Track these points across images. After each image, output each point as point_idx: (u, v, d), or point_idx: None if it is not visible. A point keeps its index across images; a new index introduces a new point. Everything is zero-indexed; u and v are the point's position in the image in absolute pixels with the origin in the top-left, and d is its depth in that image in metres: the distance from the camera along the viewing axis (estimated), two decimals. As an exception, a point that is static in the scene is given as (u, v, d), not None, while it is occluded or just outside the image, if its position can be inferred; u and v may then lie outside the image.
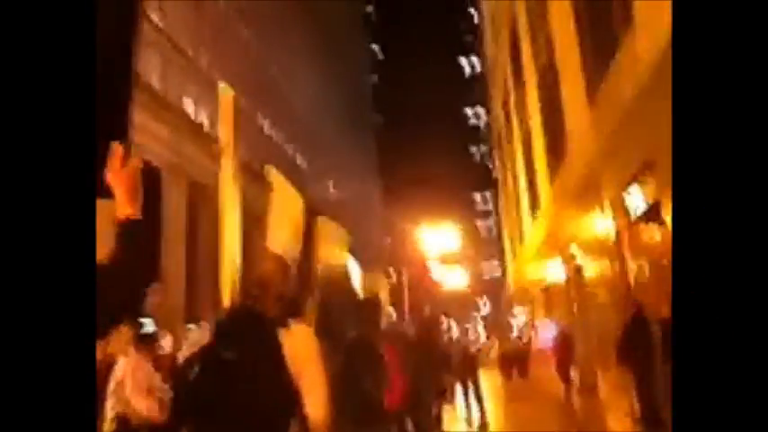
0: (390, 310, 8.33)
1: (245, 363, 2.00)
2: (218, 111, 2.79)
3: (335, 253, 4.08)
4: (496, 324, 39.65)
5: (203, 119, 26.21)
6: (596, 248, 10.62)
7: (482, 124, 68.07)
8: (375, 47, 71.04)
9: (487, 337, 29.30)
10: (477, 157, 70.59)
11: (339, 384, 3.52)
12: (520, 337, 21.76)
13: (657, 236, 8.08)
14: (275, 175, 3.69)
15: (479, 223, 72.68)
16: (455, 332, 16.25)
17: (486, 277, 62.64)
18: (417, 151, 68.64)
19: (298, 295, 2.86)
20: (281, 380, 2.01)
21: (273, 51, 35.47)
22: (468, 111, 75.02)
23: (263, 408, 1.99)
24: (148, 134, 20.40)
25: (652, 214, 7.75)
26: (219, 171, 2.58)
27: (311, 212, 3.84)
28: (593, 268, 11.25)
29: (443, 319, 11.32)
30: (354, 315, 3.78)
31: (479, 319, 63.65)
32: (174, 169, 21.86)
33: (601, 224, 9.91)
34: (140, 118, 20.30)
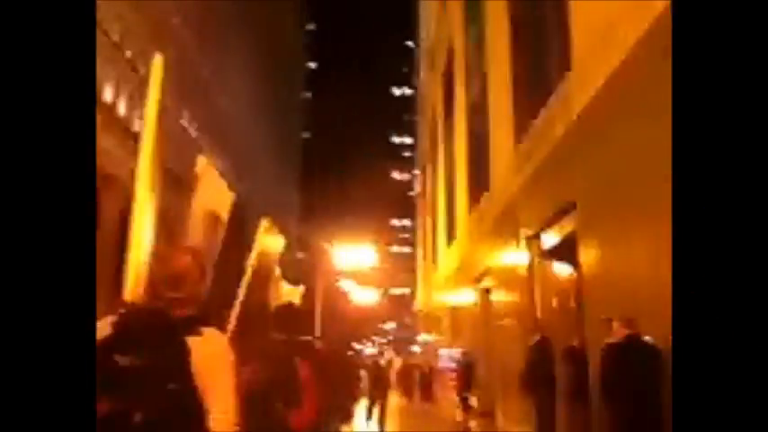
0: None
1: (144, 370, 1.79)
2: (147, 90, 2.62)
3: (268, 256, 3.95)
4: (402, 344, 39.99)
5: (122, 109, 25.14)
6: (508, 280, 11.02)
7: (408, 153, 69.48)
8: (312, 64, 71.17)
9: (395, 355, 29.54)
10: (400, 185, 71.73)
11: (247, 399, 3.41)
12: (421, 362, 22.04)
13: (568, 274, 8.53)
14: (206, 165, 3.53)
15: (395, 248, 73.47)
16: (367, 351, 16.26)
17: (397, 298, 63.31)
18: (342, 171, 68.81)
19: (215, 297, 2.68)
20: (185, 391, 1.83)
21: (209, 54, 34.69)
22: (396, 139, 76.25)
23: (162, 421, 1.79)
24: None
25: (564, 253, 8.17)
26: (136, 161, 2.41)
27: (242, 209, 3.72)
28: (502, 298, 11.65)
29: (355, 336, 11.34)
30: (275, 322, 3.68)
31: (387, 339, 64.02)
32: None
33: (515, 258, 10.31)
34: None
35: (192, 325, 1.92)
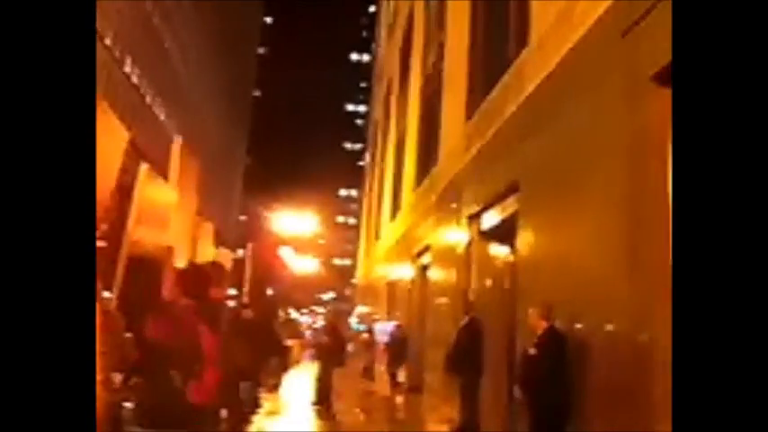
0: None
1: None
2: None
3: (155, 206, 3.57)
4: (337, 313, 40.04)
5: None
6: (446, 258, 10.89)
7: (361, 122, 68.59)
8: (269, 19, 68.89)
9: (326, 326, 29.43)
10: (351, 154, 70.98)
11: (143, 366, 3.07)
12: (357, 330, 22.02)
13: (505, 256, 8.43)
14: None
15: (341, 218, 73.08)
16: (302, 319, 15.99)
17: (339, 269, 63.18)
18: (292, 135, 67.48)
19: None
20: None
21: (162, 3, 33.02)
22: (350, 106, 75.24)
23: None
24: None
25: (504, 234, 8.04)
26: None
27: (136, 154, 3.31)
28: (439, 276, 11.55)
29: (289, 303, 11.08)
30: (180, 283, 3.33)
31: (322, 308, 64.11)
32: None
33: (454, 236, 10.16)
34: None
35: None
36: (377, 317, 20.36)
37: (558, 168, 6.04)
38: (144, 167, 3.33)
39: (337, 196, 72.07)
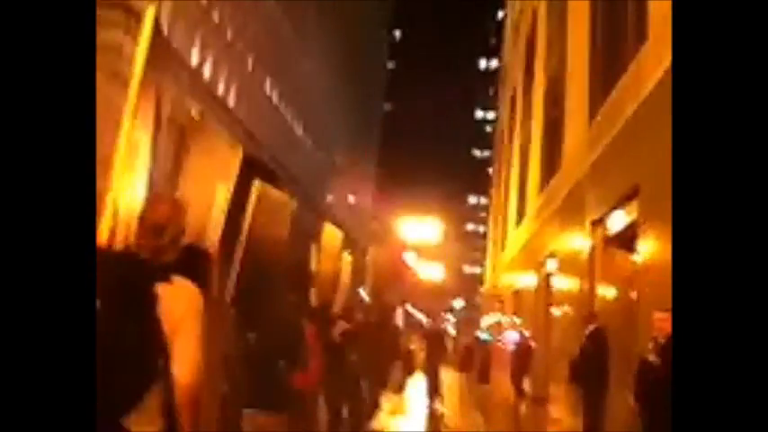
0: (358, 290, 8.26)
1: (111, 314, 1.83)
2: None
3: (273, 220, 3.90)
4: (467, 321, 39.77)
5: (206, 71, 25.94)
6: (570, 266, 10.57)
7: (490, 129, 67.93)
8: (397, 33, 70.47)
9: (457, 333, 29.39)
10: (480, 162, 70.43)
11: (252, 363, 3.42)
12: (484, 340, 21.84)
13: (629, 263, 8.04)
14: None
15: (470, 226, 72.67)
16: (425, 322, 16.22)
17: (466, 276, 62.82)
18: (422, 145, 68.32)
19: (196, 249, 2.66)
20: (149, 337, 1.87)
21: (294, 21, 35.08)
22: (479, 113, 74.74)
23: (126, 365, 1.85)
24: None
25: (626, 240, 7.69)
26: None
27: (251, 169, 3.66)
28: (563, 284, 11.21)
29: (401, 307, 11.28)
30: (288, 283, 3.66)
31: (452, 315, 63.93)
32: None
33: (578, 243, 9.85)
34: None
35: (165, 273, 1.95)
36: (505, 326, 20.06)
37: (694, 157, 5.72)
38: (257, 183, 3.68)
39: (466, 204, 71.74)
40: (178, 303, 1.93)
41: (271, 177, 4.42)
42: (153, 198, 2.44)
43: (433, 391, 11.09)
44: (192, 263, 2.38)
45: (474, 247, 64.74)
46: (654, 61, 6.53)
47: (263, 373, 3.38)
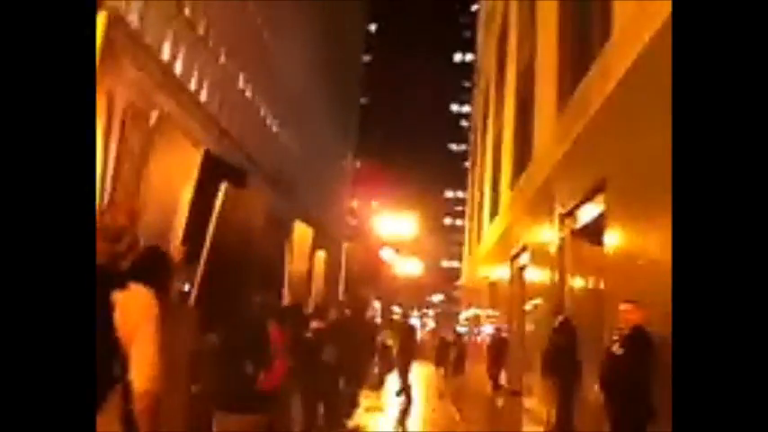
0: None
1: None
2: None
3: (240, 220, 3.89)
4: (446, 315, 40.05)
5: (178, 68, 25.57)
6: (541, 259, 10.70)
7: (466, 123, 68.20)
8: (372, 26, 70.27)
9: (437, 327, 29.53)
10: (456, 155, 70.68)
11: (218, 364, 3.42)
12: (460, 333, 22.02)
13: (597, 255, 8.16)
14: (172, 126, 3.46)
15: (448, 221, 73.00)
16: (394, 316, 16.28)
17: (444, 270, 63.18)
18: (398, 140, 68.36)
19: (156, 252, 2.64)
20: (105, 344, 1.88)
21: (269, 14, 34.74)
22: (455, 107, 74.96)
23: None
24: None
25: (595, 233, 7.80)
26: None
27: (217, 169, 3.64)
28: (535, 277, 11.35)
29: (378, 303, 11.36)
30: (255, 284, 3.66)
31: (431, 310, 64.26)
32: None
33: (548, 236, 9.97)
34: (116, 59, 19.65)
35: (121, 279, 1.98)
36: (482, 319, 20.24)
37: (640, 165, 5.82)
38: (224, 185, 3.66)
39: (443, 198, 72.01)
40: (134, 310, 1.95)
41: (238, 177, 4.41)
42: (108, 205, 2.44)
43: (403, 386, 11.17)
44: (152, 266, 2.37)
45: (452, 241, 65.05)
46: (617, 58, 6.63)
47: (230, 374, 3.39)
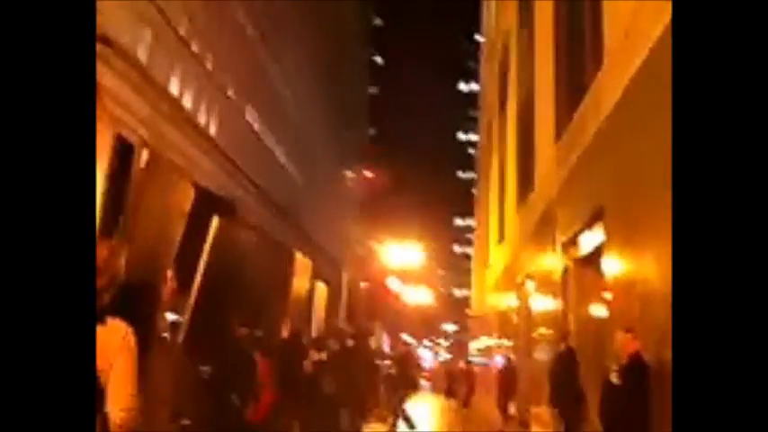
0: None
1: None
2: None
3: (230, 255, 3.94)
4: (459, 345, 39.54)
5: (187, 103, 25.97)
6: (545, 286, 10.64)
7: (473, 150, 68.49)
8: (378, 59, 71.15)
9: (450, 357, 29.13)
10: (464, 183, 70.85)
11: (207, 395, 3.44)
12: (471, 363, 21.75)
13: (598, 283, 8.10)
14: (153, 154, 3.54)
15: (458, 248, 72.80)
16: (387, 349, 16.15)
17: (456, 299, 62.75)
18: (406, 169, 68.65)
19: (140, 289, 2.69)
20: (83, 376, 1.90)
21: (273, 46, 35.32)
22: (462, 136, 75.42)
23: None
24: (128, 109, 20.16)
25: (596, 261, 7.77)
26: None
27: (209, 204, 3.70)
28: (540, 305, 11.27)
29: (383, 333, 11.30)
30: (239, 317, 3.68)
31: (444, 340, 63.50)
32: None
33: (551, 263, 9.93)
34: (123, 91, 20.11)
35: (100, 313, 2.03)
36: (492, 348, 20.01)
37: (637, 193, 5.82)
38: (215, 219, 3.73)
39: (453, 226, 71.97)
40: (111, 343, 2.01)
41: (229, 210, 4.47)
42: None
43: (400, 417, 11.02)
44: (133, 301, 2.42)
45: (463, 269, 64.73)
46: (609, 86, 6.68)
47: (218, 406, 3.40)
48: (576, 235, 8.63)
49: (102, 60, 19.38)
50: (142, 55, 23.48)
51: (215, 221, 3.72)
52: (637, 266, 6.03)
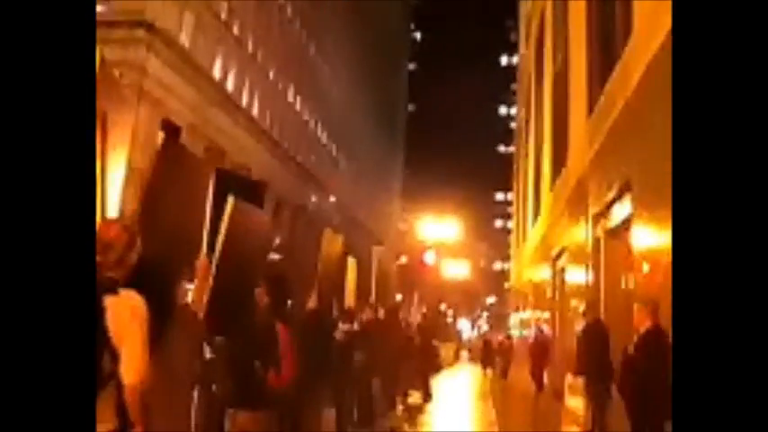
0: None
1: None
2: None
3: (248, 227, 4.15)
4: (498, 317, 39.62)
5: (230, 86, 26.43)
6: (578, 259, 10.67)
7: (514, 124, 67.39)
8: (417, 34, 70.42)
9: (489, 329, 29.28)
10: (505, 157, 69.95)
11: (232, 366, 3.71)
12: (509, 336, 21.89)
13: (626, 255, 8.12)
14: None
15: (498, 222, 72.29)
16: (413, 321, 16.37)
17: (496, 273, 62.61)
18: (447, 144, 68.19)
19: (158, 263, 2.88)
20: (98, 344, 2.05)
21: (313, 29, 35.40)
22: (503, 110, 74.28)
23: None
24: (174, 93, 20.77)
25: (625, 233, 7.79)
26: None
27: (227, 184, 3.89)
28: (573, 278, 11.30)
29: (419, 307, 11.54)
30: (265, 286, 3.90)
31: (484, 312, 63.58)
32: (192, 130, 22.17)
33: (583, 236, 9.95)
34: (167, 76, 20.78)
35: (112, 285, 2.19)
36: (529, 321, 20.08)
37: (662, 166, 5.82)
38: (230, 199, 3.93)
39: (494, 200, 71.36)
40: (123, 312, 2.15)
41: (252, 190, 4.67)
42: (104, 220, 2.74)
43: (425, 391, 11.33)
44: (148, 277, 2.61)
45: (504, 243, 64.37)
46: (637, 58, 6.64)
47: (241, 374, 3.67)
48: (606, 207, 8.64)
49: (147, 46, 19.78)
50: (185, 40, 23.89)
51: (231, 200, 3.91)
52: (661, 239, 6.06)
